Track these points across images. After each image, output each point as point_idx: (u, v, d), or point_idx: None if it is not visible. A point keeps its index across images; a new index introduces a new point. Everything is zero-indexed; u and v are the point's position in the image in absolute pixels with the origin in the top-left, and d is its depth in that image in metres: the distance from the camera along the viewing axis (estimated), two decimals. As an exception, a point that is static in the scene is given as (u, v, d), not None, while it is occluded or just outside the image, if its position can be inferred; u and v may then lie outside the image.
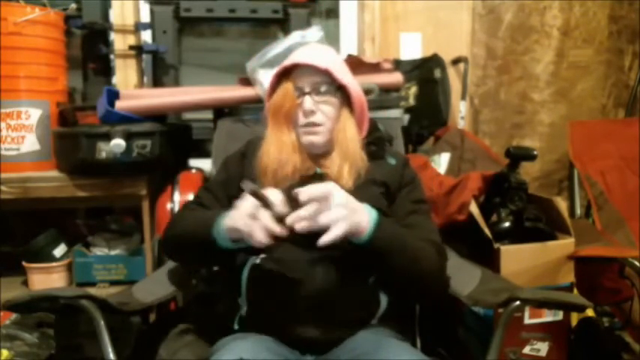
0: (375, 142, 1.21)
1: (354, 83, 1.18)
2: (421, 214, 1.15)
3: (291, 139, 1.14)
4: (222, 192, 1.20)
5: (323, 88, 1.13)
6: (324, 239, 0.91)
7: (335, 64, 1.16)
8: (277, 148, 1.12)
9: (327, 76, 1.13)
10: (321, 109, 1.13)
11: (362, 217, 0.95)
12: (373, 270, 1.06)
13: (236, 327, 1.07)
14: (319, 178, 1.07)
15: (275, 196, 0.96)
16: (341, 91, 1.15)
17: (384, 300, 1.07)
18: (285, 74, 1.16)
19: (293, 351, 1.01)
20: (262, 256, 1.06)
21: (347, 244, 0.98)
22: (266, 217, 0.93)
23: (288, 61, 1.16)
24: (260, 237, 0.93)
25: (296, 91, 1.13)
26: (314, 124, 1.12)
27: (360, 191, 1.06)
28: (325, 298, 1.02)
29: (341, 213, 0.92)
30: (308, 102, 1.11)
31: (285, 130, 1.14)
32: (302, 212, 0.92)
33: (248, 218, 0.95)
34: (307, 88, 1.12)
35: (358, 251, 1.00)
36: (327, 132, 1.13)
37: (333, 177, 1.09)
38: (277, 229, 0.93)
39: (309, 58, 1.14)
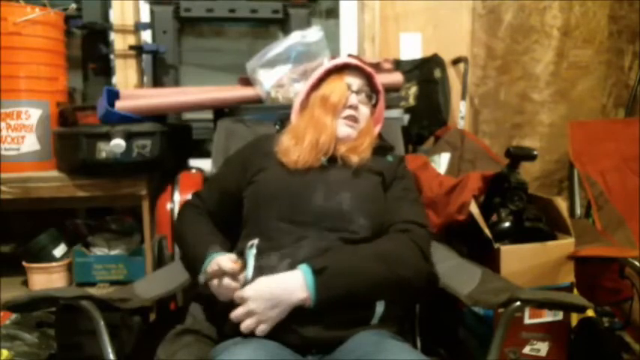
0: (383, 145, 1.35)
1: (382, 90, 1.38)
2: (408, 200, 1.23)
3: (333, 126, 1.25)
4: (233, 183, 1.28)
5: (366, 91, 1.31)
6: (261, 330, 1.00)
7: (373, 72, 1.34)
8: (317, 130, 1.23)
9: (369, 80, 1.33)
10: (360, 109, 1.29)
11: (293, 295, 1.00)
12: None
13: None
14: (325, 168, 1.22)
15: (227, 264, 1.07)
16: (373, 96, 1.34)
17: (381, 301, 1.07)
18: (334, 71, 1.32)
19: (294, 354, 1.01)
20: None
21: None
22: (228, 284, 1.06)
23: (339, 60, 1.34)
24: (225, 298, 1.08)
25: (346, 87, 1.28)
26: (354, 119, 1.28)
27: (361, 177, 1.21)
28: None
29: (260, 309, 1.00)
30: (354, 98, 1.28)
31: (329, 117, 1.26)
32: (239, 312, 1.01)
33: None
34: (355, 87, 1.29)
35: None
36: (359, 129, 1.29)
37: (342, 158, 1.22)
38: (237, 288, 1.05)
39: (356, 62, 1.33)
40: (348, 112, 1.27)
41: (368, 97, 1.32)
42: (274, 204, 1.16)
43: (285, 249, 1.08)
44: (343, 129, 1.26)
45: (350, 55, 2.10)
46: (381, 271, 1.05)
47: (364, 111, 1.31)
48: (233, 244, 1.21)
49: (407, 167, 1.35)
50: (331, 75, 1.32)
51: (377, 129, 1.38)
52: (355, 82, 1.30)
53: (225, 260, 1.07)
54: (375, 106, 1.36)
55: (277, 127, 1.40)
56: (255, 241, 1.11)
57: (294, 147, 1.23)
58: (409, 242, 1.11)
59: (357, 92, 1.29)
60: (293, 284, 1.01)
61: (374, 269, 1.05)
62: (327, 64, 1.35)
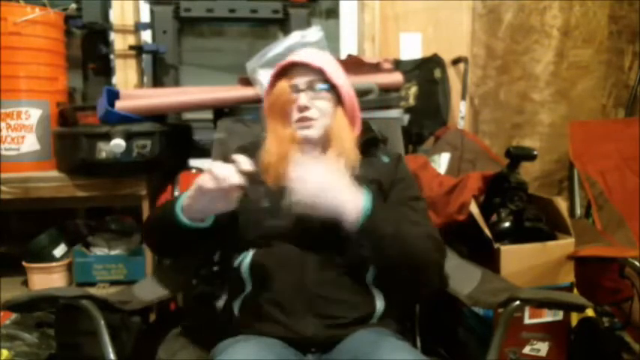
0: (368, 142, 1.25)
1: (346, 84, 1.23)
2: (416, 211, 1.15)
3: (289, 133, 1.17)
4: None
5: (317, 86, 1.18)
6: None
7: (329, 64, 1.22)
8: (277, 143, 1.16)
9: (321, 74, 1.19)
10: (316, 105, 1.17)
11: (348, 202, 0.97)
12: (366, 259, 1.06)
13: (236, 312, 1.08)
14: None
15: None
16: (334, 90, 1.20)
17: (381, 299, 1.07)
18: (282, 74, 1.22)
19: (295, 352, 1.01)
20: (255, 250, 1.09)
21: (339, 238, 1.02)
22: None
23: (284, 61, 1.22)
24: (233, 179, 0.96)
25: (292, 89, 1.18)
26: (307, 119, 1.16)
27: None
28: (321, 298, 1.03)
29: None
30: (302, 98, 1.16)
31: (282, 125, 1.18)
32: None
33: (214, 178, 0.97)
34: (302, 86, 1.18)
35: (352, 248, 1.03)
36: (321, 127, 1.17)
37: None
38: (247, 167, 0.97)
39: (304, 57, 1.21)
40: (298, 115, 1.17)
41: (322, 91, 1.19)
42: (263, 225, 1.10)
43: (284, 260, 1.07)
44: (299, 132, 1.17)
45: (351, 55, 2.10)
46: (419, 243, 1.03)
47: (320, 105, 1.17)
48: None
49: (406, 166, 1.27)
50: (278, 80, 1.22)
51: (356, 129, 1.26)
52: (302, 80, 1.18)
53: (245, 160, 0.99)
54: (341, 103, 1.22)
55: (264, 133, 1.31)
56: (251, 253, 1.10)
57: (271, 164, 1.14)
58: (432, 246, 1.06)
59: (306, 90, 1.17)
60: (348, 200, 0.98)
61: (411, 234, 1.03)
62: (275, 68, 1.24)
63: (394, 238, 1.00)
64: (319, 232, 1.06)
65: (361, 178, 1.10)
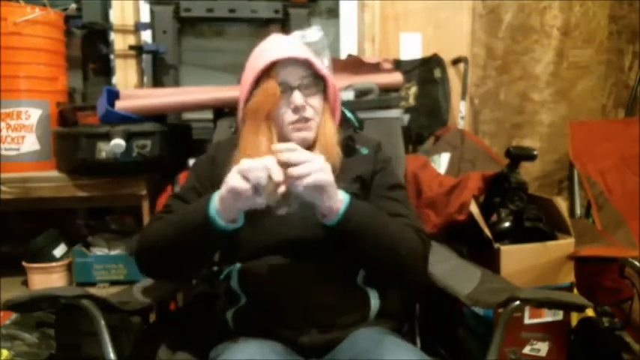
0: (348, 138, 1.17)
1: (328, 72, 1.14)
2: (396, 201, 1.11)
3: (269, 138, 1.08)
4: (194, 198, 1.11)
5: (309, 81, 1.09)
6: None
7: (310, 53, 1.12)
8: (255, 150, 1.04)
9: (308, 67, 1.10)
10: (310, 103, 1.09)
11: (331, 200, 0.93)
12: (350, 258, 1.04)
13: (230, 323, 1.06)
14: None
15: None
16: (321, 81, 1.12)
17: (375, 298, 1.07)
18: (263, 73, 1.09)
19: (296, 354, 1.00)
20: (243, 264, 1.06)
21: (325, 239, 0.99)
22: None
23: (264, 61, 1.08)
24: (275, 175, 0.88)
25: (280, 87, 1.07)
26: (306, 120, 1.08)
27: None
28: (315, 307, 1.01)
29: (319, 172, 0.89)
30: (298, 97, 1.07)
31: (263, 130, 1.08)
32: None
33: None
34: (295, 82, 1.08)
35: (340, 251, 1.01)
36: (316, 127, 1.10)
37: None
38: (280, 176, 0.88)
39: (286, 51, 1.09)
40: (294, 117, 1.08)
41: (315, 86, 1.11)
42: (246, 241, 1.05)
43: (274, 268, 1.04)
44: (296, 135, 1.08)
45: (351, 55, 2.10)
46: (395, 237, 0.99)
47: (314, 103, 1.10)
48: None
49: (384, 154, 1.21)
50: (261, 80, 1.09)
51: (336, 119, 1.19)
52: (293, 75, 1.08)
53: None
54: (326, 96, 1.14)
55: (232, 129, 1.23)
56: (237, 266, 1.08)
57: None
58: (416, 236, 1.04)
59: (299, 87, 1.08)
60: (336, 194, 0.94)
61: (393, 229, 1.00)
62: (255, 69, 1.10)
63: (373, 238, 0.97)
64: (304, 240, 1.04)
65: (343, 177, 1.08)
